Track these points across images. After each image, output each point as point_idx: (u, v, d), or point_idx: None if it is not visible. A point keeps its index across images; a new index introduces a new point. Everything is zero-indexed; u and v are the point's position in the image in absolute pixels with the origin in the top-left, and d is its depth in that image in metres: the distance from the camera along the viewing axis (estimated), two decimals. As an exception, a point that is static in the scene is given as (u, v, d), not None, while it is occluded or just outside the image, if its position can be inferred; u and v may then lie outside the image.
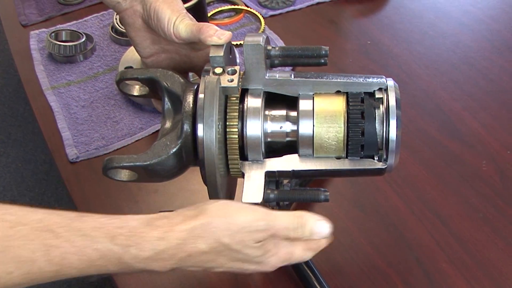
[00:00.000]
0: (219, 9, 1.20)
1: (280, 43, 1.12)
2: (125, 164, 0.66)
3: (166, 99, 0.69)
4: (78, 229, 0.54)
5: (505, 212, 0.82)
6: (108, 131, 0.97)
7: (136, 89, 0.74)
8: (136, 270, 0.56)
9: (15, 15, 1.25)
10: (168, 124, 0.69)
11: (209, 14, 1.18)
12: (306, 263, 0.74)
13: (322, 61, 0.68)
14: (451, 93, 1.01)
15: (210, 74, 0.64)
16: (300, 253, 0.61)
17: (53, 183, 1.96)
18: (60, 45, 1.09)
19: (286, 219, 0.59)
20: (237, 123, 0.64)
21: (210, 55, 0.64)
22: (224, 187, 0.66)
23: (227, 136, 0.64)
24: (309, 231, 0.60)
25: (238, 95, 0.65)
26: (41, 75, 1.09)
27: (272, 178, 0.67)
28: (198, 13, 0.96)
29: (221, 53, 0.64)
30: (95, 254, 0.53)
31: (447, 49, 1.10)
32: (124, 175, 0.68)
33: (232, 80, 0.63)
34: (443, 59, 1.08)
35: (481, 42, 1.12)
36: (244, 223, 0.57)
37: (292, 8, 1.22)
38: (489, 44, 1.11)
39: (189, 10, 0.94)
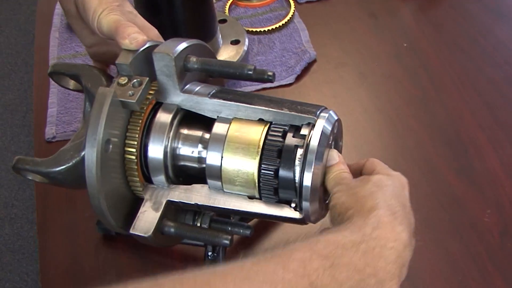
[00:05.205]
0: (250, -11, 1.10)
1: (305, 35, 1.00)
2: (27, 167, 0.60)
3: (87, 101, 0.63)
4: None
5: (492, 281, 0.68)
6: (94, 113, 0.92)
7: (72, 83, 0.68)
8: None
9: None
10: (84, 130, 0.62)
11: (239, -6, 1.09)
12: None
13: (266, 77, 0.57)
14: (480, 119, 0.85)
15: (114, 84, 0.56)
16: None
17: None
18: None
19: None
20: (136, 142, 0.56)
21: (116, 61, 0.56)
22: (123, 211, 0.58)
23: (125, 156, 0.56)
24: None
25: (143, 111, 0.56)
26: (53, 43, 1.05)
27: (180, 208, 0.59)
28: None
29: (128, 60, 0.56)
30: None
31: (494, 64, 0.93)
32: (34, 176, 0.63)
33: (132, 94, 0.54)
34: (484, 75, 0.91)
35: (540, 59, 0.93)
36: None
37: (332, -5, 1.09)
38: (548, 63, 0.93)
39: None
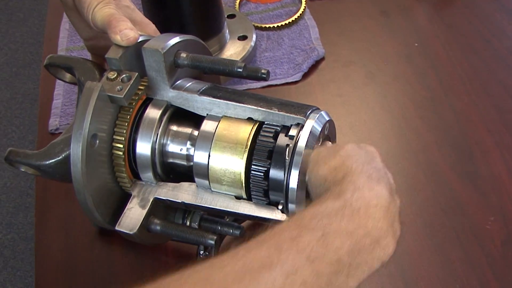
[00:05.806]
0: (261, -16, 1.08)
1: (315, 32, 0.99)
2: (18, 159, 0.60)
3: (80, 94, 0.62)
4: None
5: (491, 290, 0.66)
6: (99, 105, 0.92)
7: (68, 76, 0.68)
8: None
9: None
10: (75, 123, 0.62)
11: (250, -11, 1.07)
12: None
13: (259, 75, 0.56)
14: (488, 122, 0.83)
15: (103, 78, 0.55)
16: None
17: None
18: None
19: None
20: (123, 138, 0.55)
21: (106, 55, 0.55)
22: (112, 206, 0.58)
23: (113, 151, 0.56)
24: None
25: (132, 106, 0.55)
26: (62, 34, 1.05)
27: (169, 205, 0.58)
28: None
29: (118, 54, 0.55)
30: None
31: (507, 67, 0.90)
32: (26, 168, 0.63)
33: (121, 89, 0.54)
34: (496, 78, 0.89)
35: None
36: None
37: (345, -8, 1.07)
38: None
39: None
